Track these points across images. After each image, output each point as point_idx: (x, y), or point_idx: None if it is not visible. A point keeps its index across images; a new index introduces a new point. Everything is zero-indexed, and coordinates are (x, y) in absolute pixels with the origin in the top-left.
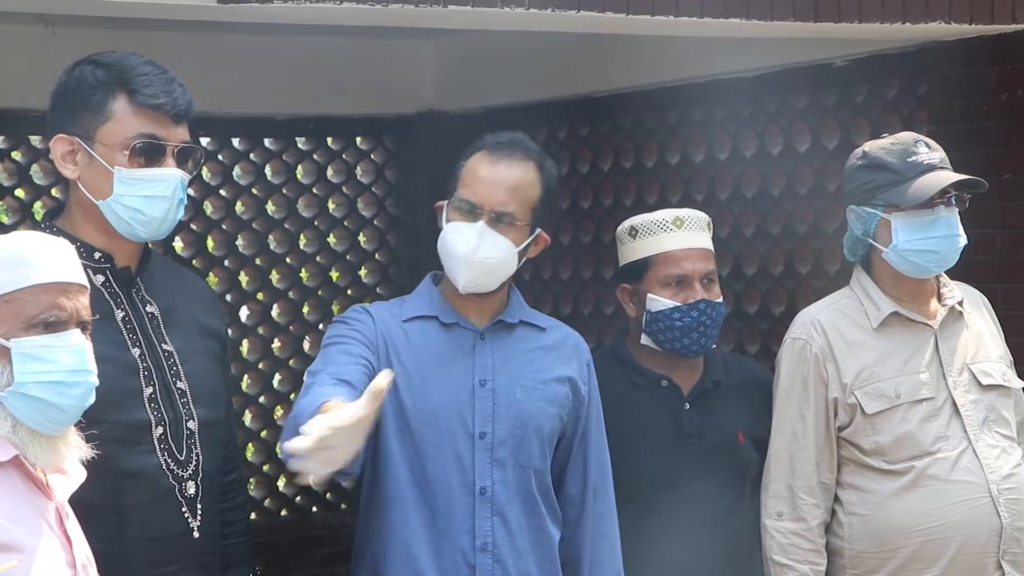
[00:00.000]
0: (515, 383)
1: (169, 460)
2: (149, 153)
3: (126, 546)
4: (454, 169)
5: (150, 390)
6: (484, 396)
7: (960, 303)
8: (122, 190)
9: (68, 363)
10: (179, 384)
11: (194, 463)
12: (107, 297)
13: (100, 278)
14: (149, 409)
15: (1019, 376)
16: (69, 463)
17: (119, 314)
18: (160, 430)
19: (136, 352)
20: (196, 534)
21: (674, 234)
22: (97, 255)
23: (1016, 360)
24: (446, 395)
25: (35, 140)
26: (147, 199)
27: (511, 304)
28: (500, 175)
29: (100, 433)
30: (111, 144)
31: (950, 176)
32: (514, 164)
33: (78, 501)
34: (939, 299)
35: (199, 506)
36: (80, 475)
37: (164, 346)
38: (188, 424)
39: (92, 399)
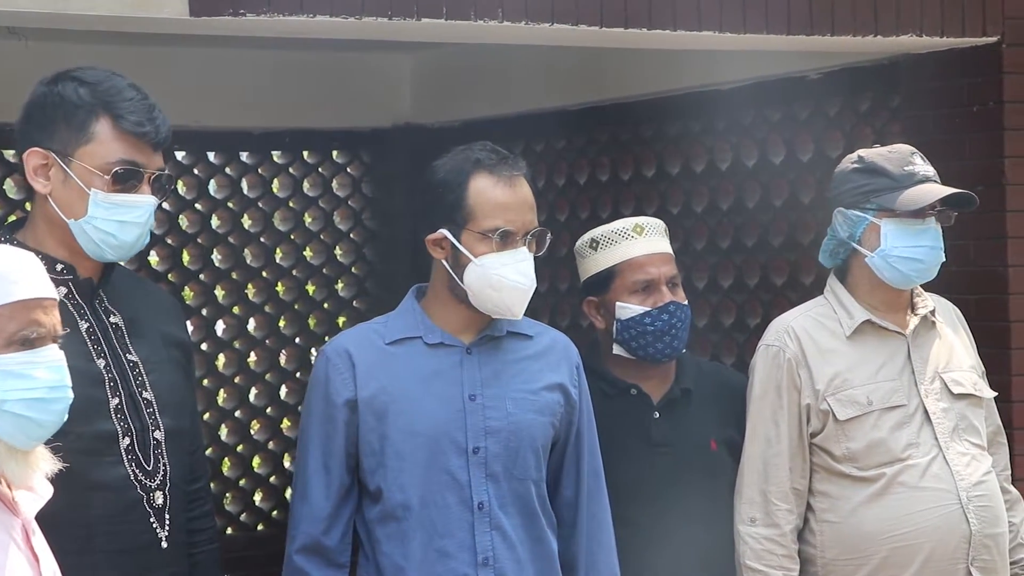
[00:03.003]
0: (505, 396)
1: (137, 470)
2: (127, 179)
3: (95, 558)
4: (443, 195)
5: (116, 401)
6: (475, 411)
7: (932, 312)
8: (96, 213)
9: (48, 379)
10: (145, 394)
11: (161, 473)
12: (71, 309)
13: (62, 290)
14: (116, 420)
15: (991, 387)
16: (36, 479)
17: (83, 325)
18: (127, 440)
19: (101, 363)
20: (164, 544)
21: (636, 241)
22: (59, 267)
23: (989, 369)
24: (436, 414)
25: (8, 154)
26: (120, 224)
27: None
28: (521, 196)
29: (66, 444)
30: (90, 165)
31: (946, 189)
32: (522, 181)
33: (46, 514)
34: (912, 309)
35: (167, 516)
36: (47, 491)
37: (129, 356)
38: (155, 434)
39: (67, 415)
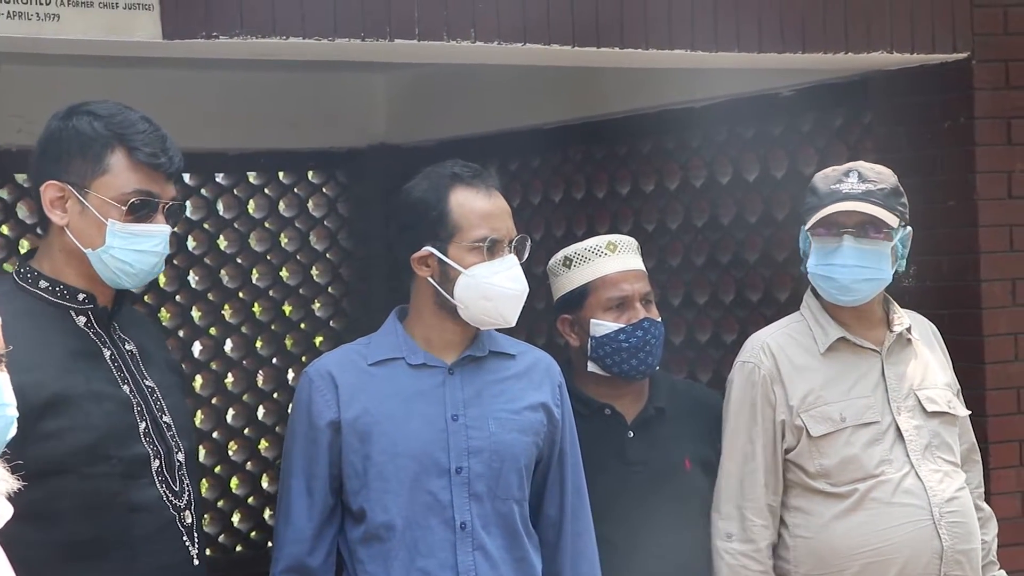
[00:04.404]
0: (488, 416)
1: (167, 492)
2: (143, 209)
3: None
4: (423, 213)
5: (143, 425)
6: (457, 431)
7: (908, 330)
8: (114, 242)
9: None
10: (164, 418)
11: (187, 494)
12: (92, 337)
13: (82, 319)
14: (145, 443)
15: (966, 403)
16: None
17: (107, 353)
18: (157, 463)
19: (126, 389)
20: (196, 561)
21: (609, 258)
22: (81, 296)
23: (963, 384)
24: (418, 434)
25: (20, 178)
26: (137, 253)
27: (479, 337)
28: (500, 205)
29: (108, 469)
30: (106, 196)
31: (846, 205)
32: (497, 192)
33: (93, 539)
34: (888, 326)
35: (195, 535)
36: (5, 512)
37: (146, 382)
38: (177, 456)
39: (13, 432)
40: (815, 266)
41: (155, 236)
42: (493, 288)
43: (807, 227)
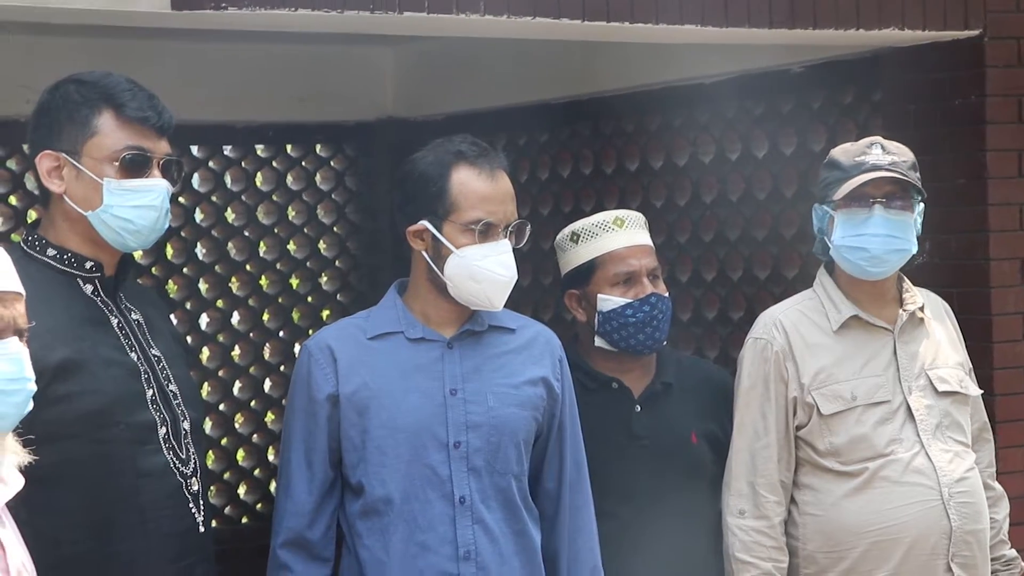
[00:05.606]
0: (487, 390)
1: (174, 459)
2: (137, 165)
3: (149, 541)
4: (424, 187)
5: (151, 392)
6: (456, 405)
7: (921, 308)
8: (111, 200)
9: (7, 371)
10: (171, 387)
11: (193, 461)
12: (99, 305)
13: (89, 287)
14: (152, 410)
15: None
16: (5, 470)
17: (114, 321)
18: (164, 430)
19: (134, 356)
20: (201, 528)
21: (616, 233)
22: (89, 264)
23: (972, 364)
24: (417, 409)
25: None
26: (136, 209)
27: (478, 311)
28: (502, 188)
29: (116, 434)
30: (99, 157)
31: (880, 173)
32: (502, 173)
33: (105, 502)
34: (901, 304)
35: (201, 501)
36: (17, 482)
37: (153, 351)
38: (183, 424)
39: (30, 406)
40: (843, 238)
41: (152, 190)
42: (482, 271)
43: (836, 198)
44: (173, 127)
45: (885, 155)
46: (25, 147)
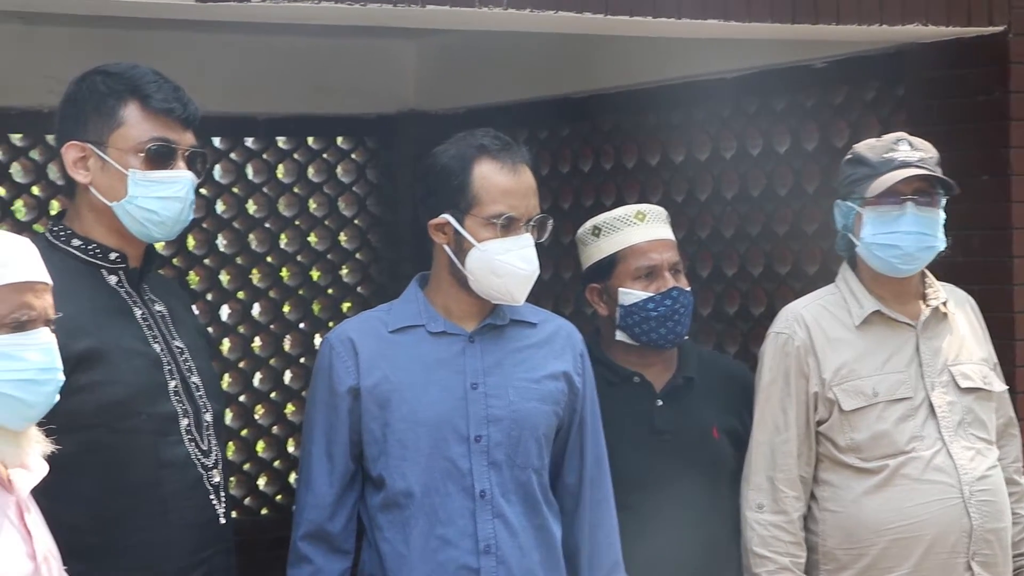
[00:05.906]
0: (508, 384)
1: (196, 450)
2: (162, 156)
3: (170, 532)
4: (446, 180)
5: (173, 384)
6: (476, 399)
7: (944, 304)
8: (136, 191)
9: (38, 361)
10: (193, 379)
11: (214, 453)
12: (123, 296)
13: (114, 278)
14: (175, 402)
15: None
16: (31, 457)
17: (138, 312)
18: (186, 421)
19: (157, 347)
20: (222, 520)
21: (638, 227)
22: (113, 255)
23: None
24: (438, 402)
25: (50, 138)
26: (161, 200)
27: (500, 305)
28: (524, 183)
29: (138, 425)
30: (124, 148)
31: (913, 171)
32: (525, 167)
33: (125, 491)
34: (924, 299)
35: (222, 494)
36: (42, 469)
37: (176, 343)
38: (205, 416)
39: (58, 397)
40: (874, 236)
41: (177, 182)
42: (504, 265)
43: (868, 195)
44: (199, 119)
45: (913, 151)
46: (49, 137)
